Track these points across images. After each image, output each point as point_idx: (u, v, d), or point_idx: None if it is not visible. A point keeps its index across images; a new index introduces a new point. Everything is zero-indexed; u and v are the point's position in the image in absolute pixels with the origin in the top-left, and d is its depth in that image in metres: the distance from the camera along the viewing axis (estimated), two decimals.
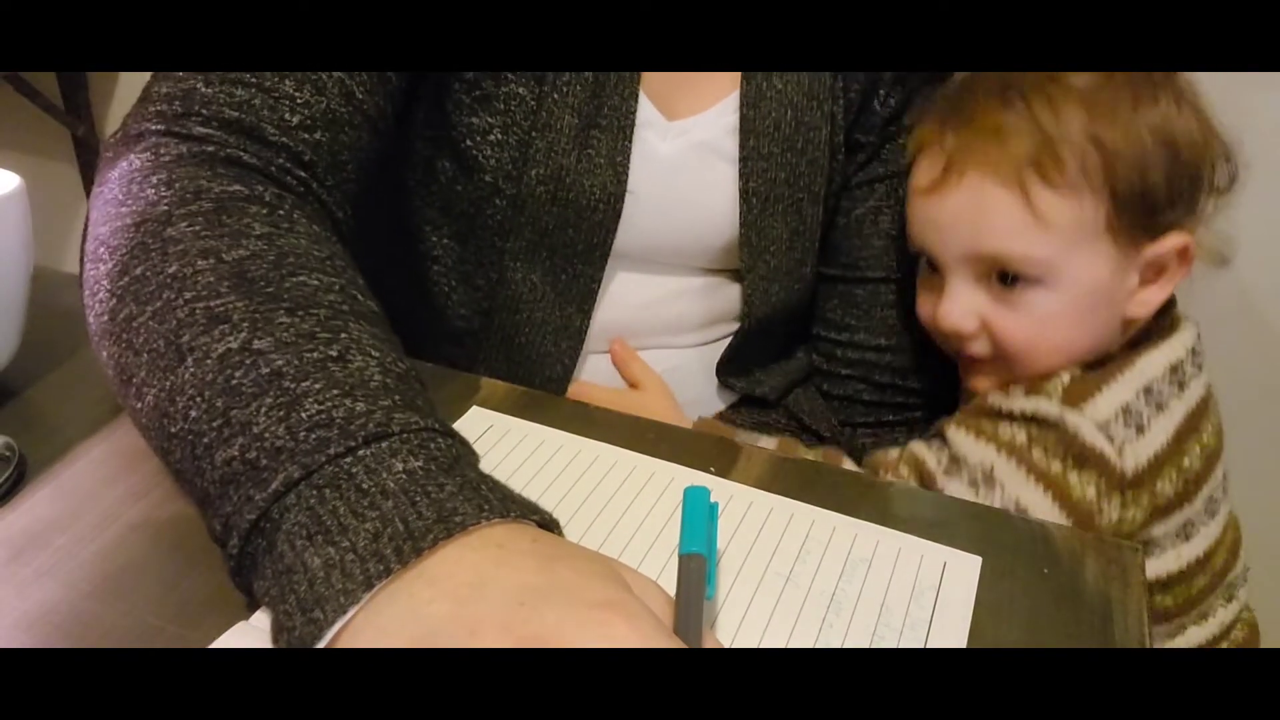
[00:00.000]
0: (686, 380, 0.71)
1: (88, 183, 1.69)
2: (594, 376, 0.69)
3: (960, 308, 0.63)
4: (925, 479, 0.62)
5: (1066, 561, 0.44)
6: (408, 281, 0.68)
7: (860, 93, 0.68)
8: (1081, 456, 0.58)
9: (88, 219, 0.47)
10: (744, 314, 0.68)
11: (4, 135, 1.73)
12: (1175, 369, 0.60)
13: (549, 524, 0.37)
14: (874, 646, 0.39)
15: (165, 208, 0.43)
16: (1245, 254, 1.21)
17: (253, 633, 0.36)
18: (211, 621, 0.37)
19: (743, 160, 0.65)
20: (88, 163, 1.66)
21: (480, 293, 0.66)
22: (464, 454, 0.38)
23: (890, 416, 0.74)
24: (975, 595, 0.42)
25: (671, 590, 0.36)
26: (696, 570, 0.36)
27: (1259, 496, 1.24)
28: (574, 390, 0.68)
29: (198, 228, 0.42)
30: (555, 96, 0.61)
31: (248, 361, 0.37)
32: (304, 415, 0.36)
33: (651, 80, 0.64)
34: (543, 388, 0.67)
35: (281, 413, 0.36)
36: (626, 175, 0.63)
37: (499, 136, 0.61)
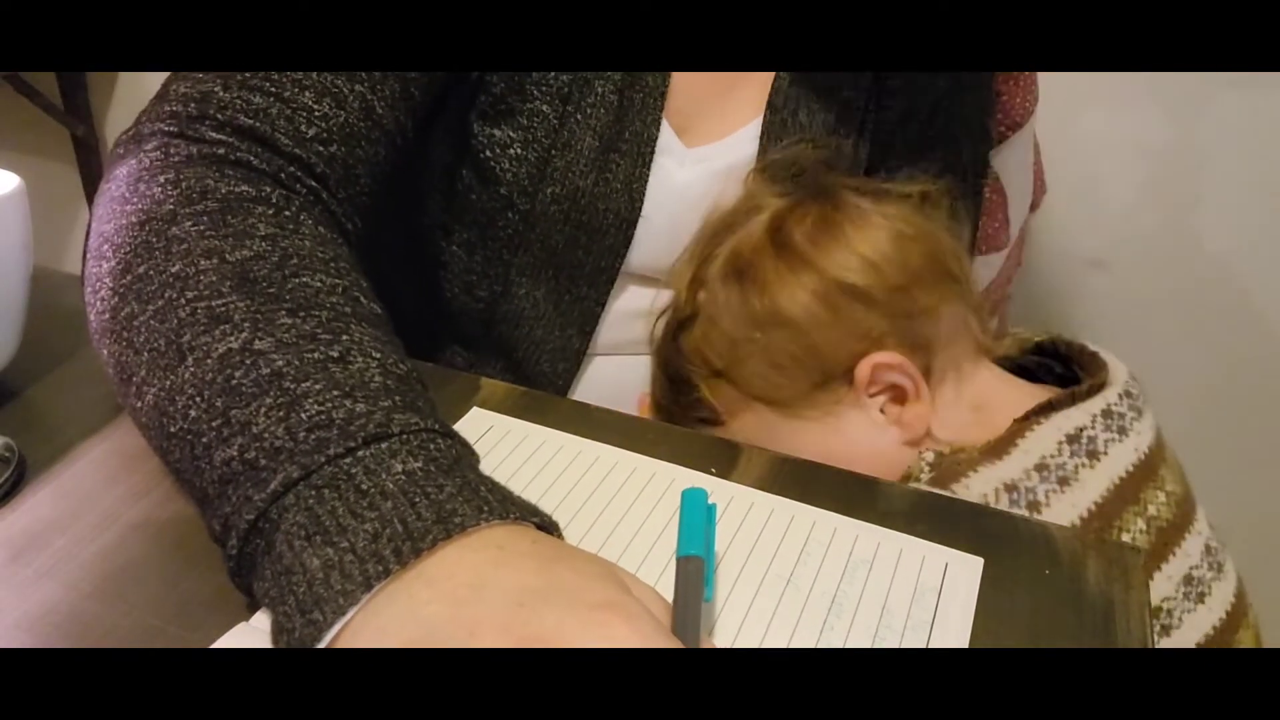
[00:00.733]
0: None
1: (87, 183, 1.69)
2: (593, 383, 0.69)
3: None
4: None
5: (1068, 563, 0.44)
6: (414, 284, 0.68)
7: (889, 131, 0.67)
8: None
9: (91, 216, 0.47)
10: None
11: (4, 135, 1.73)
12: (1074, 438, 0.55)
13: (548, 526, 0.37)
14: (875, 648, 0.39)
15: (170, 207, 0.43)
16: (1246, 254, 1.22)
17: (253, 634, 0.36)
18: (212, 622, 0.37)
19: None
20: (87, 163, 1.66)
21: (482, 304, 0.66)
22: (464, 455, 0.38)
23: None
24: (977, 597, 0.41)
25: (670, 595, 0.36)
26: (694, 572, 0.36)
27: (1260, 496, 1.24)
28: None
29: (202, 227, 0.42)
30: (578, 117, 0.60)
31: (248, 362, 0.37)
32: (304, 416, 0.36)
33: (675, 107, 0.63)
34: None
35: (281, 413, 0.36)
36: (642, 201, 0.63)
37: (519, 151, 0.61)
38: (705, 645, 0.34)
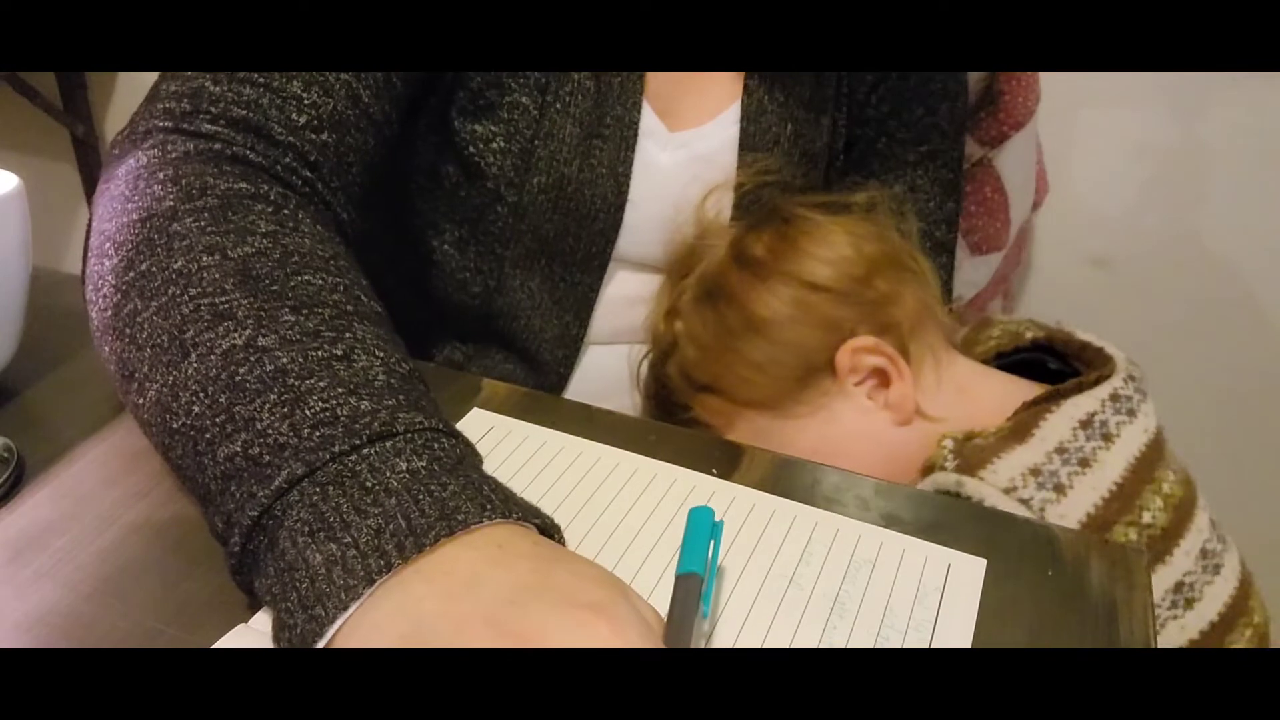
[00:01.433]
0: None
1: (87, 183, 1.68)
2: (591, 370, 0.70)
3: None
4: None
5: (1071, 564, 0.44)
6: (409, 284, 0.68)
7: (865, 93, 0.68)
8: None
9: (92, 215, 0.47)
10: None
11: (3, 135, 1.73)
12: (1086, 423, 0.57)
13: (550, 529, 0.37)
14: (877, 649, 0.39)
15: (171, 204, 0.43)
16: (1248, 253, 1.21)
17: (253, 635, 0.36)
18: (211, 623, 0.37)
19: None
20: (87, 163, 1.66)
21: (478, 300, 0.66)
22: (467, 455, 0.38)
23: None
24: (979, 597, 0.41)
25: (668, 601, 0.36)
26: (691, 589, 0.35)
27: (1263, 496, 1.24)
28: None
29: (203, 224, 0.42)
30: (558, 106, 0.61)
31: (252, 358, 0.37)
32: (308, 413, 0.36)
33: (654, 90, 0.64)
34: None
35: (285, 409, 0.36)
36: (628, 185, 0.63)
37: (502, 144, 0.61)
38: None
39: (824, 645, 0.39)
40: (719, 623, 0.39)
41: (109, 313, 0.42)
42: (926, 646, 0.39)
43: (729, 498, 0.46)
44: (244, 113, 0.48)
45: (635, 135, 0.63)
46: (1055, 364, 0.67)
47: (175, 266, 0.40)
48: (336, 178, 0.51)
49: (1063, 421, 0.57)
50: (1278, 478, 1.26)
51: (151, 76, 0.51)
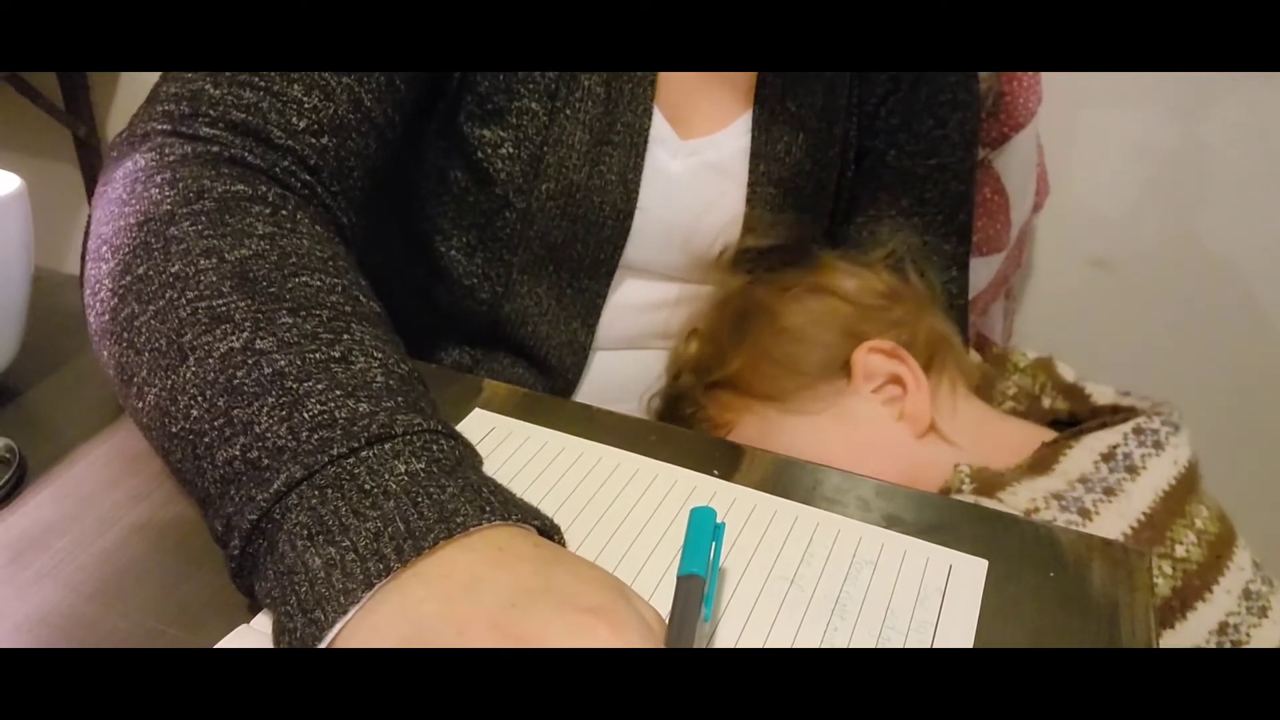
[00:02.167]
0: None
1: (89, 184, 1.69)
2: (599, 376, 0.69)
3: None
4: None
5: (1073, 565, 0.44)
6: (418, 288, 0.68)
7: (874, 104, 0.68)
8: None
9: (90, 218, 0.47)
10: None
11: (5, 136, 1.74)
12: (1109, 456, 0.56)
13: (550, 530, 0.37)
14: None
15: (169, 207, 0.43)
16: (1249, 254, 1.21)
17: (254, 636, 0.36)
18: (213, 624, 0.37)
19: (751, 185, 0.65)
20: (89, 164, 1.66)
21: (486, 306, 0.66)
22: (467, 456, 0.38)
23: None
24: (981, 599, 0.41)
25: (669, 605, 0.35)
26: (693, 591, 0.35)
27: (1265, 496, 1.24)
28: None
29: (200, 227, 0.42)
30: (568, 112, 0.61)
31: (250, 361, 0.37)
32: (306, 415, 0.36)
33: (665, 97, 0.64)
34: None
35: (284, 412, 0.36)
36: (637, 192, 0.63)
37: (511, 150, 0.61)
38: None
39: (825, 646, 0.39)
40: (720, 624, 0.39)
41: (107, 316, 0.42)
42: (928, 648, 0.39)
43: (730, 499, 0.46)
44: (243, 116, 0.48)
45: (645, 142, 0.63)
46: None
47: (172, 270, 0.40)
48: (337, 181, 0.51)
49: (1084, 454, 0.56)
50: (1277, 477, 1.26)
51: (153, 78, 0.51)
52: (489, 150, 0.61)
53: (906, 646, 0.39)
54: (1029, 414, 0.67)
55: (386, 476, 0.34)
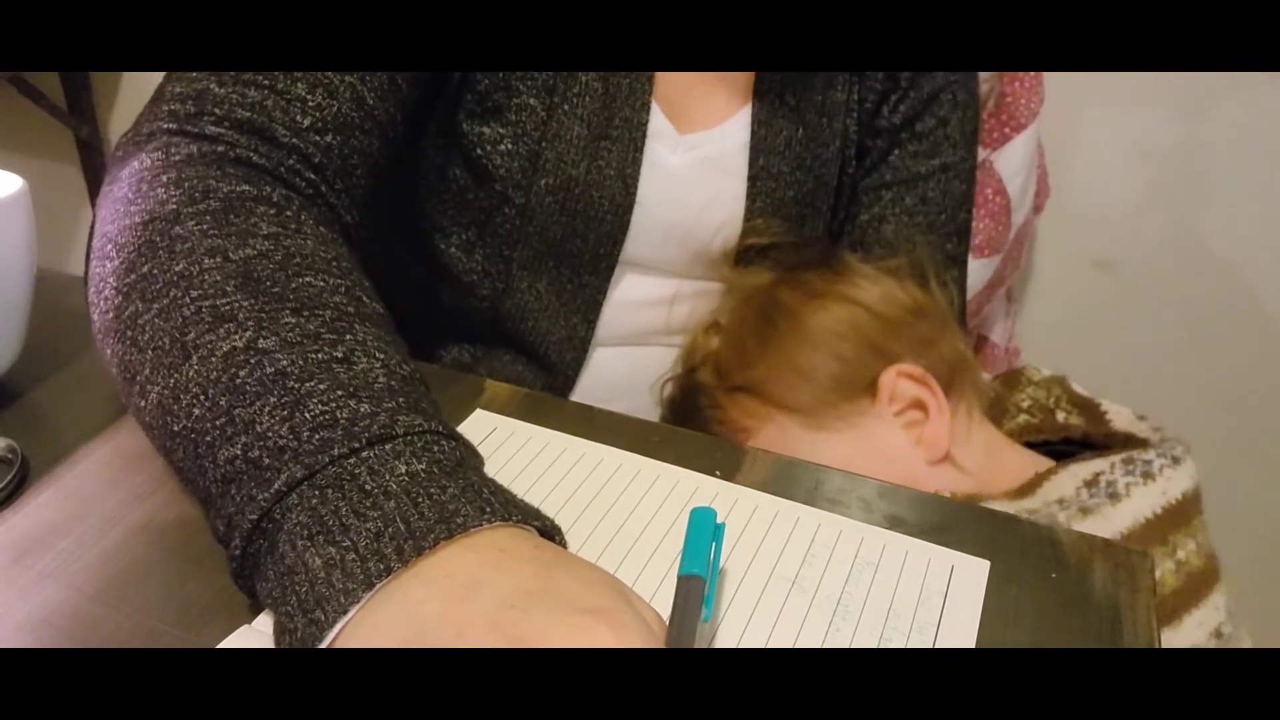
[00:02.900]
0: None
1: (91, 185, 1.69)
2: (599, 372, 0.69)
3: None
4: None
5: (1075, 566, 0.44)
6: (418, 285, 0.68)
7: (874, 103, 0.68)
8: None
9: (95, 217, 0.47)
10: None
11: (7, 137, 1.74)
12: (1091, 482, 0.56)
13: (551, 531, 0.37)
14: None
15: (174, 206, 0.43)
16: (1251, 255, 1.21)
17: (255, 636, 0.36)
18: (215, 625, 0.37)
19: (751, 179, 0.65)
20: (91, 165, 1.66)
21: (486, 302, 0.66)
22: (467, 457, 0.38)
23: None
24: (983, 600, 0.41)
25: (670, 606, 0.35)
26: (694, 591, 0.35)
27: (1266, 497, 1.24)
28: None
29: (205, 227, 0.42)
30: (565, 108, 0.61)
31: (252, 360, 0.37)
32: (308, 415, 0.36)
33: (664, 92, 0.64)
34: (550, 394, 0.67)
35: (285, 412, 0.36)
36: (636, 187, 0.63)
37: (509, 146, 0.61)
38: None
39: (827, 647, 0.39)
40: (722, 625, 0.39)
41: (110, 315, 0.42)
42: (930, 648, 0.39)
43: (731, 499, 0.46)
44: (248, 115, 0.48)
45: (643, 137, 0.63)
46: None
47: (177, 269, 0.41)
48: (341, 180, 0.51)
49: (1068, 479, 0.57)
50: (1278, 477, 1.26)
51: (155, 78, 0.52)
52: (488, 147, 0.61)
53: (908, 647, 0.39)
54: (1043, 427, 0.67)
55: (387, 477, 0.34)
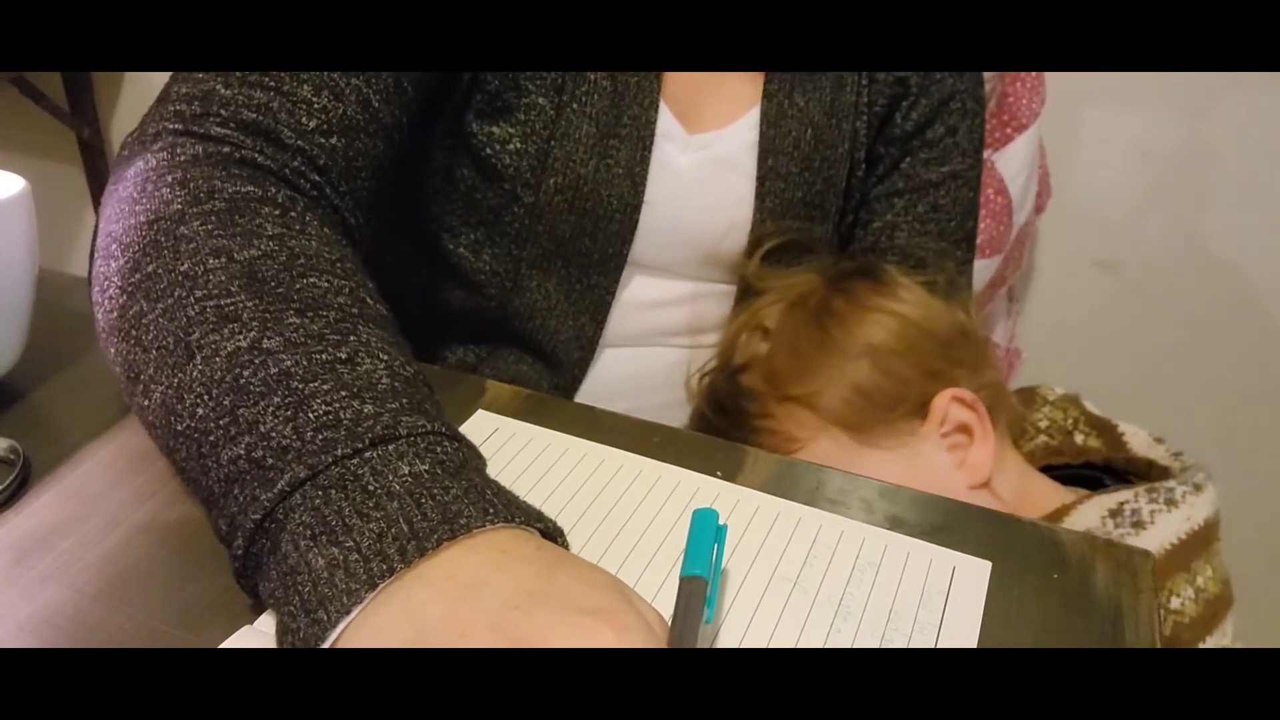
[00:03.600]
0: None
1: (93, 185, 1.69)
2: (607, 371, 0.69)
3: None
4: None
5: (1076, 567, 0.44)
6: (425, 285, 0.68)
7: (884, 107, 0.68)
8: None
9: (99, 216, 0.47)
10: None
11: (9, 138, 1.74)
12: (1116, 512, 0.57)
13: (553, 532, 0.37)
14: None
15: (179, 206, 0.43)
16: (1253, 255, 1.21)
17: (257, 636, 0.36)
18: (217, 625, 0.37)
19: (760, 179, 0.65)
20: (93, 165, 1.66)
21: (494, 302, 0.66)
22: (470, 458, 0.38)
23: None
24: (984, 600, 0.41)
25: (672, 606, 0.35)
26: (695, 592, 0.35)
27: (1267, 497, 1.23)
28: None
29: (210, 227, 0.42)
30: (574, 106, 0.61)
31: (256, 360, 0.37)
32: (311, 416, 0.36)
33: (672, 92, 0.64)
34: (555, 393, 0.67)
35: (289, 413, 0.36)
36: (644, 186, 0.63)
37: (518, 145, 0.61)
38: None
39: (829, 648, 0.38)
40: (724, 626, 0.39)
41: (115, 314, 0.42)
42: (931, 648, 0.39)
43: (733, 500, 0.46)
44: (254, 116, 0.48)
45: (652, 136, 0.63)
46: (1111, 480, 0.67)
47: (181, 269, 0.41)
48: (345, 182, 0.51)
49: (1092, 510, 0.57)
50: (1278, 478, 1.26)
51: (157, 79, 0.52)
52: (497, 146, 0.61)
53: (910, 648, 0.39)
54: (1062, 449, 0.68)
55: (390, 477, 0.34)
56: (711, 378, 0.68)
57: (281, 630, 0.33)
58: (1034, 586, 0.42)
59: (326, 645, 0.32)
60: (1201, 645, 0.56)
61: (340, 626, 0.32)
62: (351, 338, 0.39)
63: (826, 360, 0.62)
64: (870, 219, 0.70)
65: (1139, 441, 0.65)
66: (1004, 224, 1.07)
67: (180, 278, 0.40)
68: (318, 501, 0.34)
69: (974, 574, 0.43)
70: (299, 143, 0.49)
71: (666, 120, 0.63)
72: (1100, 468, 0.67)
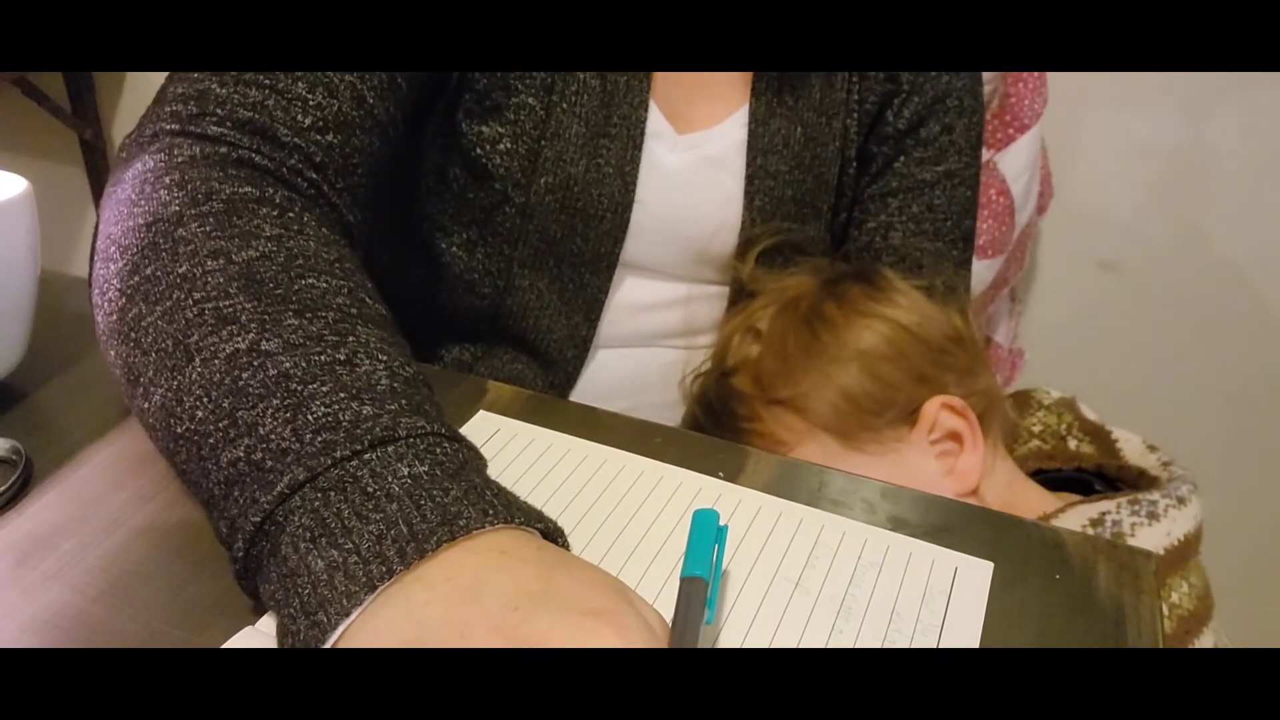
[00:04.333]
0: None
1: (95, 186, 1.69)
2: (599, 372, 0.69)
3: None
4: None
5: (1079, 567, 0.43)
6: (419, 285, 0.68)
7: (876, 105, 0.67)
8: None
9: (99, 218, 0.47)
10: None
11: (11, 139, 1.74)
12: (1097, 522, 0.57)
13: (553, 533, 0.37)
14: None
15: (177, 208, 0.43)
16: (1255, 255, 1.21)
17: (258, 637, 0.36)
18: (218, 626, 0.37)
19: (749, 178, 0.65)
20: (95, 166, 1.67)
21: (487, 301, 0.66)
22: (470, 459, 0.38)
23: None
24: (986, 601, 0.41)
25: (673, 607, 0.35)
26: (696, 593, 0.35)
27: (1268, 497, 1.23)
28: None
29: (208, 228, 0.42)
30: (564, 106, 0.61)
31: (255, 363, 0.37)
32: (310, 418, 0.36)
33: (662, 92, 0.64)
34: (550, 392, 0.67)
35: (288, 414, 0.36)
36: (635, 185, 0.63)
37: (509, 145, 0.61)
38: None
39: (830, 648, 0.38)
40: (725, 627, 0.39)
41: (114, 317, 0.42)
42: (933, 648, 0.39)
43: (735, 500, 0.46)
44: (250, 114, 0.48)
45: (642, 135, 0.63)
46: (1101, 486, 0.67)
47: (180, 271, 0.41)
48: (342, 179, 0.51)
49: (1074, 518, 0.57)
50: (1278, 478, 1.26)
51: (159, 80, 0.52)
52: (487, 146, 0.62)
53: (912, 648, 0.39)
54: (1055, 454, 0.68)
55: (389, 479, 0.34)
56: (703, 379, 0.68)
57: (282, 632, 0.33)
58: (1036, 587, 0.42)
59: (326, 647, 0.32)
60: None
61: (340, 628, 0.32)
62: (350, 338, 0.39)
63: (814, 364, 0.62)
64: (865, 219, 0.70)
65: (1132, 449, 0.65)
66: (1006, 224, 1.07)
67: (179, 280, 0.40)
68: (317, 504, 0.34)
69: (976, 575, 0.43)
70: (295, 140, 0.49)
71: (656, 120, 0.63)
72: (1091, 472, 0.67)
